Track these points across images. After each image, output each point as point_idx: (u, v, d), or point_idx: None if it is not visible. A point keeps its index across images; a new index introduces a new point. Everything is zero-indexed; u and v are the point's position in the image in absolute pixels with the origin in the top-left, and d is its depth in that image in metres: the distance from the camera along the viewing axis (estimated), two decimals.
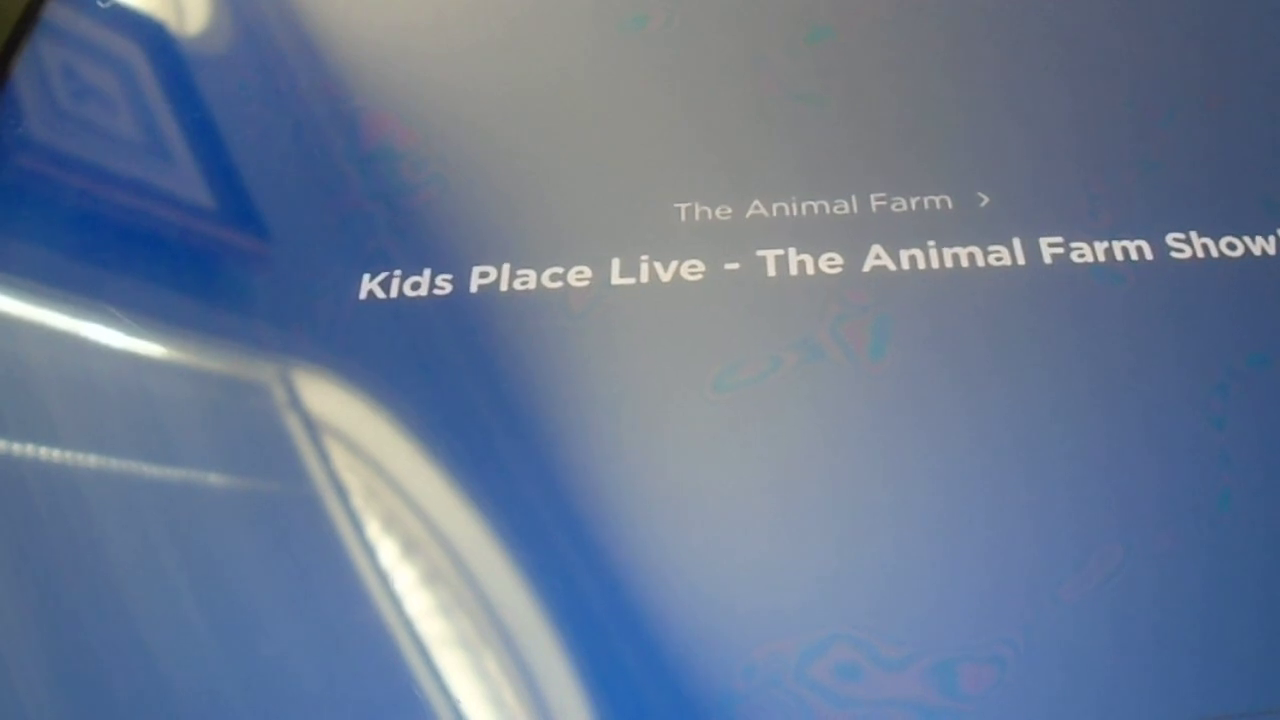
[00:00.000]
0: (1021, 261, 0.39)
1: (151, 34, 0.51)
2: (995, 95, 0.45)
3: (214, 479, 0.36)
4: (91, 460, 0.37)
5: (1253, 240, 0.39)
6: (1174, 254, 0.39)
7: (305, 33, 0.50)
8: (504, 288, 0.39)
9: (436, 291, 0.40)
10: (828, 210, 0.41)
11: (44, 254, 0.42)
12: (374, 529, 0.35)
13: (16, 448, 0.37)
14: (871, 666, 0.31)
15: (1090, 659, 0.31)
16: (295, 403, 0.38)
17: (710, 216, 0.41)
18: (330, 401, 0.38)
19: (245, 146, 0.45)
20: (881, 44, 0.47)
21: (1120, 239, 0.39)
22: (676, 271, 0.39)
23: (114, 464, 0.37)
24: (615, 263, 0.40)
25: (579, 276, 0.40)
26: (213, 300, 0.41)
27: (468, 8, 0.50)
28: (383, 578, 0.34)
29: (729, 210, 0.41)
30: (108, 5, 0.51)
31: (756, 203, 0.41)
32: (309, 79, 0.48)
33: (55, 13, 0.51)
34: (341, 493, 0.36)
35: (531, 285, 0.39)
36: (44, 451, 0.37)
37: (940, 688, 0.31)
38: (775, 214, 0.41)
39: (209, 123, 0.46)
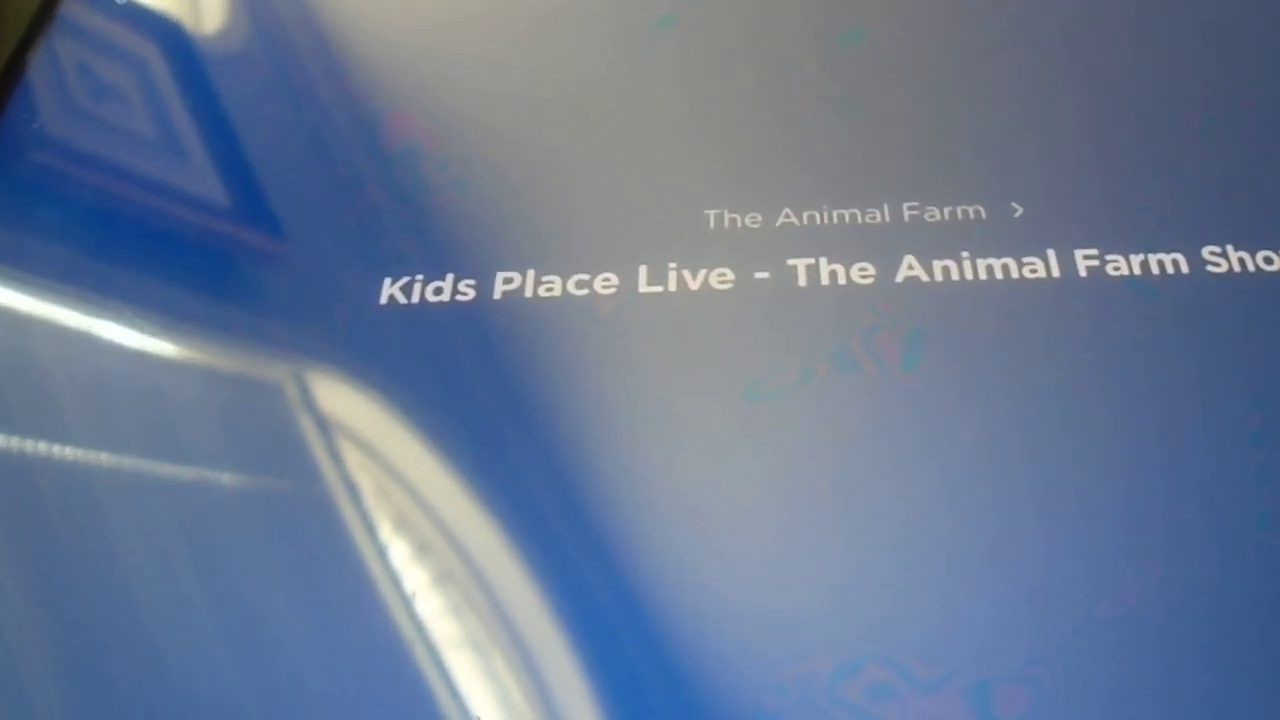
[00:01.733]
0: (1056, 274, 0.38)
1: (169, 31, 0.50)
2: (1031, 104, 0.44)
3: (230, 483, 0.36)
4: (106, 460, 0.37)
5: None
6: (1210, 267, 0.38)
7: (326, 30, 0.49)
8: (529, 294, 0.39)
9: (459, 297, 0.39)
10: (859, 219, 0.40)
11: (58, 251, 0.42)
12: (396, 542, 0.34)
13: (31, 446, 0.37)
14: (905, 687, 0.31)
15: (1127, 680, 0.31)
16: (314, 408, 0.37)
17: (740, 224, 0.40)
18: (350, 407, 0.37)
19: (264, 145, 0.45)
20: (916, 49, 0.46)
21: (1156, 252, 0.39)
22: (705, 280, 0.39)
23: (129, 465, 0.36)
24: (642, 270, 0.39)
25: (605, 284, 0.39)
26: (230, 302, 0.40)
27: (491, 7, 0.50)
28: (407, 600, 0.33)
29: (759, 218, 0.40)
30: (124, 2, 0.51)
31: (787, 210, 0.41)
32: (329, 77, 0.47)
33: (72, 9, 0.50)
34: (362, 501, 0.35)
35: (557, 292, 0.39)
36: (58, 450, 0.37)
37: (975, 709, 0.30)
38: (806, 222, 0.40)
39: (227, 121, 0.46)
